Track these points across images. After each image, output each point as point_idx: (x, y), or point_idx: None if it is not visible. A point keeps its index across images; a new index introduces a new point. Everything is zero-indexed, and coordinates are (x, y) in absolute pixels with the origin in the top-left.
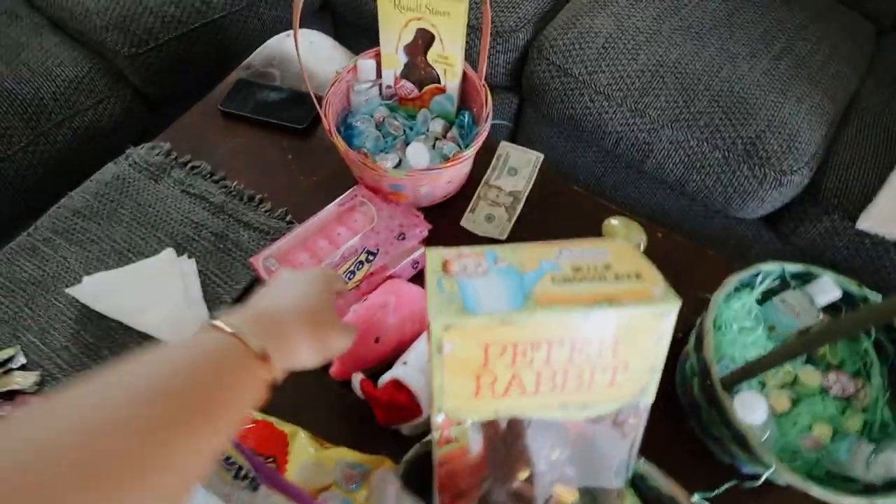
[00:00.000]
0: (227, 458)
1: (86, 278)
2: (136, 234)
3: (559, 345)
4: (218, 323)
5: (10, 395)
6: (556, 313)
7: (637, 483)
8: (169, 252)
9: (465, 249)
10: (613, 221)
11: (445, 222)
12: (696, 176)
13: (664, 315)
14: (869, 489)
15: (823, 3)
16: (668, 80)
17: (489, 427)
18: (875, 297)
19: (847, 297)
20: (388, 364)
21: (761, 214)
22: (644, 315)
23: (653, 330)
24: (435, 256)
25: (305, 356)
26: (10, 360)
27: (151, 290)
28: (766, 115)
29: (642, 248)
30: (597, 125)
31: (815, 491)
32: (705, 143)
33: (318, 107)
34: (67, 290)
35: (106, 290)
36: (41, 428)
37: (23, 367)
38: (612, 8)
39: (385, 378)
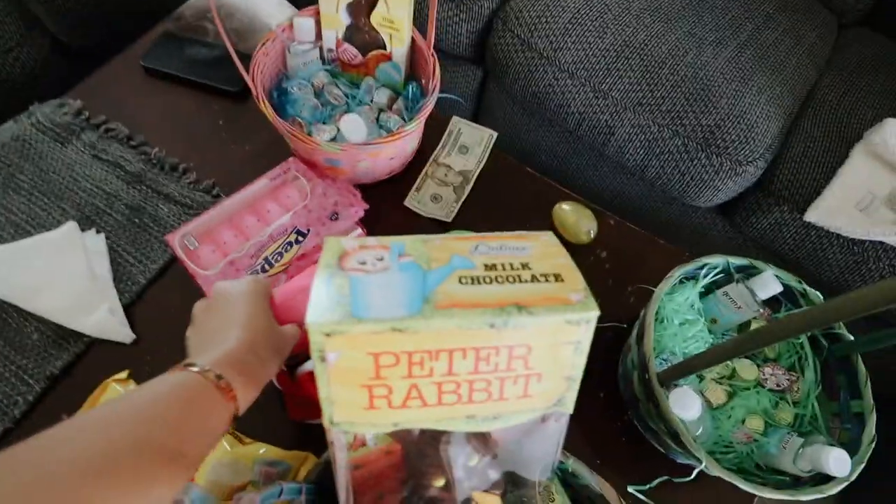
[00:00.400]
0: None
1: None
2: (37, 205)
3: (461, 354)
4: (192, 369)
5: None
6: (457, 319)
7: (568, 481)
8: (71, 225)
9: (371, 240)
10: (564, 206)
11: (388, 202)
12: (655, 162)
13: (581, 323)
14: (797, 482)
15: None
16: (634, 62)
17: (401, 433)
18: (814, 293)
19: (788, 291)
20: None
21: (716, 203)
22: (558, 323)
23: (569, 338)
24: (333, 247)
25: (266, 374)
26: None
27: (50, 269)
28: (726, 104)
29: (592, 235)
30: (560, 104)
31: (742, 484)
32: (666, 129)
33: (242, 69)
34: None
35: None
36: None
37: None
38: None
39: (302, 370)
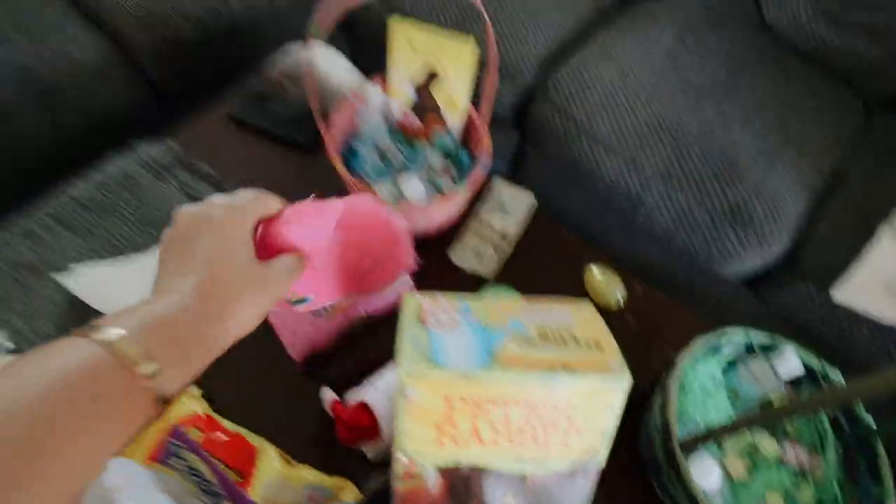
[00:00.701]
0: (194, 470)
1: (75, 267)
2: (136, 231)
3: (516, 405)
4: (97, 336)
5: None
6: (516, 375)
7: None
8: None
9: (442, 299)
10: (595, 270)
11: (435, 253)
12: (682, 233)
13: (616, 388)
14: None
15: (817, 78)
16: (665, 137)
17: (451, 468)
18: (836, 374)
19: (809, 370)
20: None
21: (742, 276)
22: (597, 385)
23: (605, 399)
24: (412, 302)
25: (237, 325)
26: None
27: (141, 286)
28: (753, 181)
29: (622, 302)
30: (593, 171)
31: None
32: (694, 202)
33: (323, 127)
34: (55, 276)
35: (94, 281)
36: None
37: (11, 353)
38: (618, 60)
39: (352, 397)
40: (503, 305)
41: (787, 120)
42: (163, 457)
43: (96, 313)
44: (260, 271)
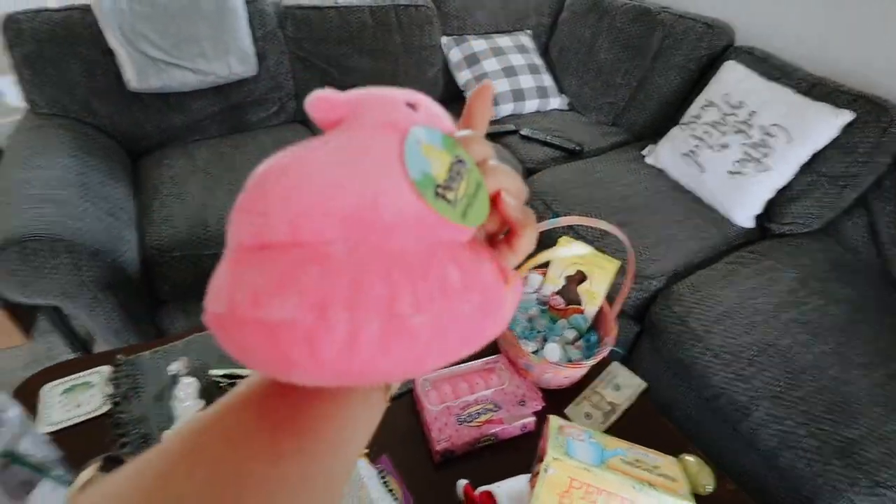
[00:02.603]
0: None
1: None
2: None
3: (615, 498)
4: None
5: None
6: (618, 477)
7: None
8: None
9: (574, 426)
10: (689, 458)
11: (554, 405)
12: (788, 454)
13: None
14: None
15: None
16: (776, 361)
17: None
18: None
19: None
20: None
21: None
22: (669, 501)
23: None
24: (556, 421)
25: None
26: None
27: None
28: (868, 424)
29: (709, 490)
30: (702, 376)
31: None
32: (802, 428)
33: None
34: None
35: None
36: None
37: None
38: (739, 287)
39: (480, 489)
40: (615, 440)
41: None
42: None
43: None
44: None
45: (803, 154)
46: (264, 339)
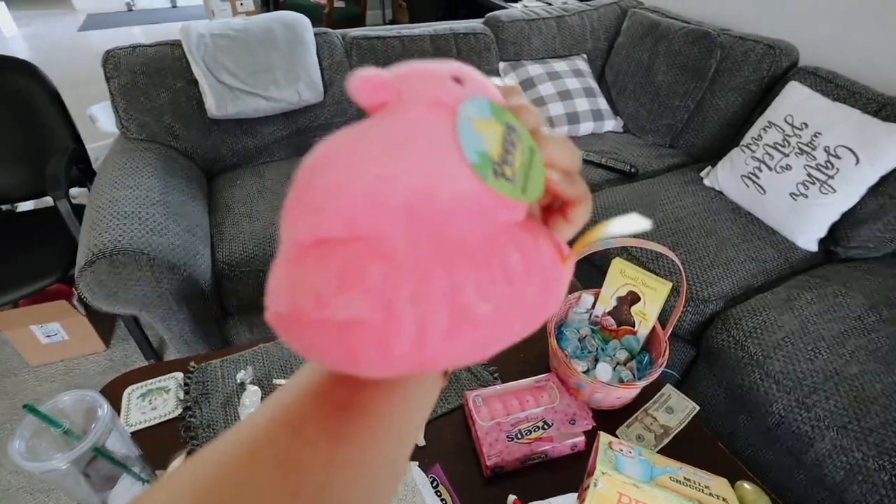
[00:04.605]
0: None
1: None
2: None
3: None
4: None
5: None
6: (667, 494)
7: None
8: None
9: (623, 443)
10: (747, 486)
11: (604, 426)
12: (857, 488)
13: None
14: None
15: None
16: (842, 389)
17: None
18: None
19: None
20: None
21: None
22: None
23: None
24: (606, 438)
25: None
26: None
27: None
28: None
29: None
30: (762, 403)
31: None
32: (872, 461)
33: None
34: None
35: None
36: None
37: None
38: (800, 311)
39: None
40: (664, 459)
41: None
42: None
43: None
44: None
45: (872, 176)
46: (330, 338)
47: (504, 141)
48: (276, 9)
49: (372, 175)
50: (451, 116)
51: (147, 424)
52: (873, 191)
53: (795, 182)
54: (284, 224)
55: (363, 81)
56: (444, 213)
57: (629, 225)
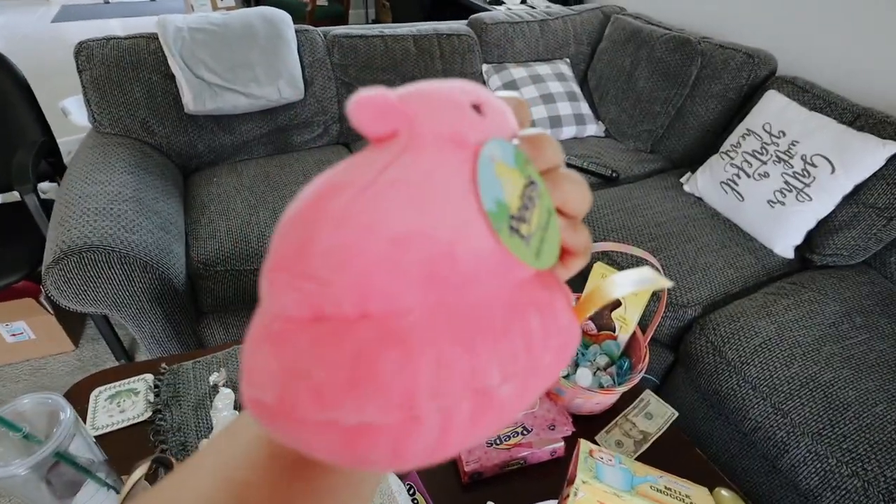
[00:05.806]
0: None
1: None
2: None
3: None
4: None
5: None
6: (646, 503)
7: None
8: None
9: (604, 450)
10: (724, 492)
11: (584, 431)
12: (830, 494)
13: None
14: None
15: None
16: (817, 395)
17: None
18: None
19: None
20: None
21: None
22: None
23: None
24: (586, 445)
25: None
26: None
27: None
28: None
29: None
30: (739, 408)
31: None
32: (845, 467)
33: None
34: None
35: None
36: None
37: None
38: (776, 318)
39: None
40: (645, 467)
41: None
42: None
43: None
44: None
45: (847, 185)
46: (332, 441)
47: (523, 194)
48: (258, 4)
49: (386, 236)
50: (472, 158)
51: (114, 428)
52: (848, 199)
53: (773, 189)
54: (268, 287)
55: (366, 104)
56: (462, 276)
57: (644, 283)
